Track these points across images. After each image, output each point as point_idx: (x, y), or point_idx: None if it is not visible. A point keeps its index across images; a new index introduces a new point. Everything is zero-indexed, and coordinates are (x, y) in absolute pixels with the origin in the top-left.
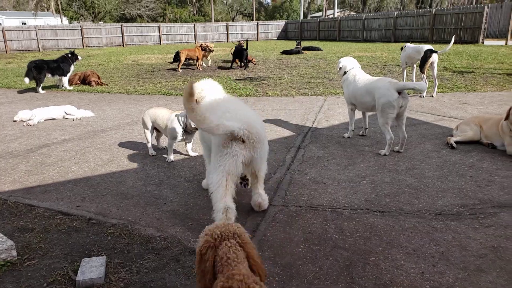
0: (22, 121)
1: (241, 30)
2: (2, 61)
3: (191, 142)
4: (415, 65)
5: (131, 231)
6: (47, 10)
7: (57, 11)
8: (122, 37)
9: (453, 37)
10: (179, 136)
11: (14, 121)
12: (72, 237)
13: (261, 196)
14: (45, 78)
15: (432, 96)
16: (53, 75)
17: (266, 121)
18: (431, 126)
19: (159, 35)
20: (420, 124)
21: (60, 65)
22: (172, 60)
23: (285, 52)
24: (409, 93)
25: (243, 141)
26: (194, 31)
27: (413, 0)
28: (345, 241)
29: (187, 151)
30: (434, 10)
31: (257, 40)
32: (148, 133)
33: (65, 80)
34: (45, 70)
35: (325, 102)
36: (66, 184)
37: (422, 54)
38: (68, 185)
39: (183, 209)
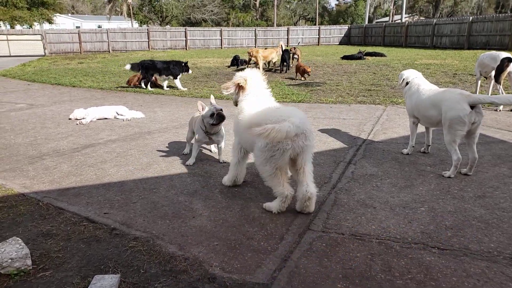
0: (76, 119)
1: (302, 34)
2: (75, 61)
3: (220, 145)
4: (492, 75)
5: (152, 247)
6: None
7: (129, 15)
8: (186, 40)
9: None
10: (201, 138)
11: (69, 119)
12: (92, 248)
13: (309, 189)
14: (152, 77)
15: (511, 111)
16: (160, 74)
17: (316, 131)
18: (509, 146)
19: (221, 39)
20: (494, 143)
21: (170, 67)
22: (229, 64)
23: (345, 58)
24: (483, 106)
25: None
26: (255, 36)
27: (492, 4)
28: (393, 284)
29: (214, 151)
30: None
31: (318, 45)
32: (189, 134)
33: (176, 82)
34: (152, 70)
35: (384, 112)
36: (99, 187)
37: (499, 62)
38: (102, 189)
39: (211, 226)
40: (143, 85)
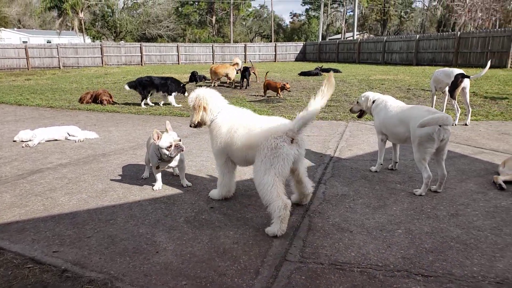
0: (22, 141)
1: (259, 51)
2: (21, 77)
3: (182, 167)
4: (446, 91)
5: None
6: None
7: (80, 30)
8: (141, 56)
9: (489, 61)
10: (154, 162)
11: (14, 141)
12: None
13: (307, 187)
14: (149, 94)
15: (466, 125)
16: (158, 91)
17: None
18: (471, 160)
19: (178, 55)
20: (456, 158)
21: (167, 83)
22: (188, 80)
23: (303, 74)
24: None
25: (292, 141)
26: (213, 52)
27: (434, 23)
28: None
29: (176, 173)
30: (459, 33)
31: (275, 61)
32: (148, 156)
33: (170, 98)
34: (150, 87)
35: (346, 128)
36: (48, 220)
37: (453, 78)
38: (51, 222)
39: (178, 262)
40: (142, 104)
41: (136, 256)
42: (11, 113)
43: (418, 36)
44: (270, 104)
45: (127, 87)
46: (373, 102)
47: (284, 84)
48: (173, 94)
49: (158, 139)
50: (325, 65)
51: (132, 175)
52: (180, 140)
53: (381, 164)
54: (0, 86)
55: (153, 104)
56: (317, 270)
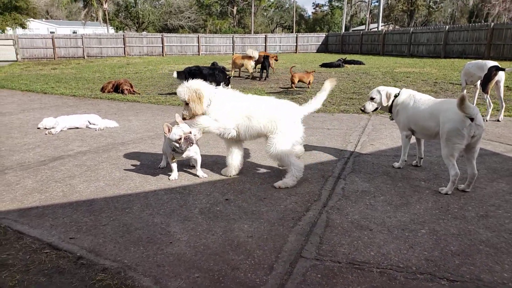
0: (45, 128)
1: (280, 42)
2: (48, 66)
3: (196, 159)
4: (478, 84)
5: (124, 281)
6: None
7: (104, 21)
8: (162, 46)
9: None
10: (169, 153)
11: (38, 128)
12: (53, 282)
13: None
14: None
15: (498, 120)
16: (205, 80)
17: None
18: (503, 159)
19: (198, 46)
20: (487, 155)
21: (215, 73)
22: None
23: (324, 65)
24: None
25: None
26: (233, 43)
27: (465, 14)
28: None
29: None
30: (492, 24)
31: (296, 52)
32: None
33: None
34: (198, 76)
35: (369, 122)
36: (66, 207)
37: (486, 71)
38: (69, 208)
39: (191, 253)
40: None
41: (150, 245)
42: (37, 101)
43: (447, 27)
44: (289, 96)
45: (175, 75)
46: (395, 96)
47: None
48: (221, 84)
49: (168, 132)
50: (348, 57)
51: (150, 164)
52: (190, 133)
53: (405, 161)
54: (28, 75)
55: None
56: (334, 269)
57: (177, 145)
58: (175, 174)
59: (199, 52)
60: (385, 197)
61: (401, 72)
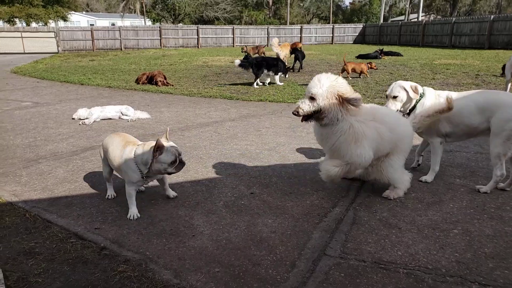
0: (80, 119)
1: (315, 33)
2: (86, 58)
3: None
4: None
5: (144, 273)
6: (134, 12)
7: (142, 13)
8: (197, 38)
9: None
10: (136, 180)
11: (73, 118)
12: (77, 272)
13: None
14: (262, 74)
15: None
16: (268, 70)
17: None
18: None
19: (233, 37)
20: None
21: (278, 63)
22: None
23: (361, 57)
24: None
25: None
26: (267, 34)
27: None
28: None
29: (165, 192)
30: None
31: (332, 43)
32: (104, 169)
33: (276, 77)
34: (264, 67)
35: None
36: (94, 197)
37: None
38: (96, 198)
39: (213, 247)
40: (255, 84)
41: (173, 238)
42: (73, 92)
43: (492, 16)
44: None
45: (237, 63)
46: (420, 96)
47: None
48: (280, 74)
49: (158, 152)
50: (386, 48)
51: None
52: (181, 154)
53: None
54: (67, 66)
55: (262, 84)
56: (358, 268)
57: (169, 169)
58: (134, 210)
59: (233, 43)
60: (417, 194)
61: (440, 64)
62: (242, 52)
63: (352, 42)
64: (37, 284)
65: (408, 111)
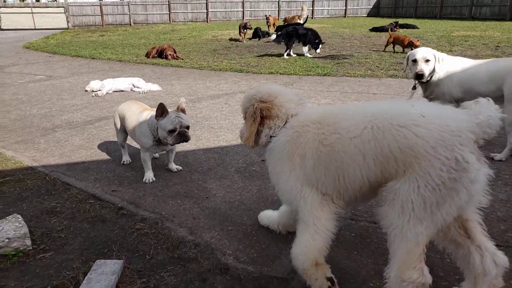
0: (92, 91)
1: (328, 5)
2: (96, 33)
3: (173, 151)
4: None
5: (161, 230)
6: None
7: None
8: (207, 13)
9: None
10: (149, 146)
11: (85, 90)
12: (96, 229)
13: (499, 257)
14: (293, 44)
15: None
16: (299, 41)
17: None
18: None
19: (243, 11)
20: None
21: (307, 34)
22: (251, 37)
23: (375, 29)
24: None
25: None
26: (278, 7)
27: None
28: (437, 285)
29: (168, 164)
30: None
31: (345, 16)
32: (120, 135)
33: (304, 48)
34: (295, 37)
35: (418, 88)
36: (110, 163)
37: None
38: (112, 164)
39: (226, 208)
40: (285, 55)
41: (187, 200)
42: (85, 66)
43: None
44: (335, 61)
45: (273, 37)
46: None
47: (412, 41)
48: (307, 45)
49: (161, 116)
50: (401, 21)
51: (190, 126)
52: (188, 127)
53: None
54: (78, 41)
55: (295, 55)
56: (368, 229)
57: (167, 137)
58: (150, 173)
59: (243, 17)
60: None
61: (458, 36)
62: (244, 29)
63: (366, 15)
64: (60, 239)
65: (428, 78)
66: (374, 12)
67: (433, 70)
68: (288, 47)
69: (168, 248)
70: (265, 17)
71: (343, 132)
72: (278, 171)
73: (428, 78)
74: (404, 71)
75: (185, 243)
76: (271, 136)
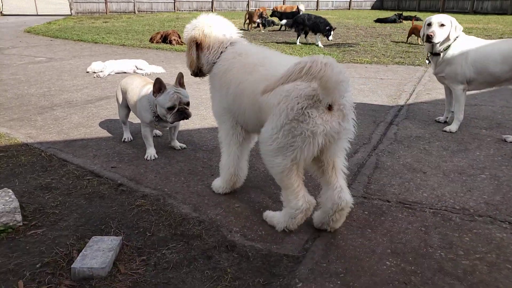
0: (94, 72)
1: None
2: (100, 20)
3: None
4: None
5: (162, 207)
6: None
7: None
8: (212, 2)
9: None
10: (149, 121)
11: (87, 72)
12: (93, 205)
13: (343, 195)
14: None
15: None
16: (309, 29)
17: (351, 89)
18: None
19: (248, 1)
20: None
21: (317, 22)
22: (256, 25)
23: (379, 21)
24: None
25: (330, 108)
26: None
27: None
28: (457, 265)
29: (171, 142)
30: None
31: (349, 9)
32: (121, 111)
33: (316, 37)
34: (303, 26)
35: (425, 74)
36: (110, 140)
37: None
38: (112, 141)
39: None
40: (298, 41)
41: (191, 177)
42: (87, 49)
43: None
44: (340, 48)
45: (283, 21)
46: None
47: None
48: (319, 34)
49: (158, 92)
50: (405, 13)
51: (194, 105)
52: (188, 103)
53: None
54: (80, 27)
55: (300, 44)
56: (382, 207)
57: (168, 116)
58: (152, 150)
59: (248, 7)
60: (441, 143)
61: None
62: (260, 18)
63: (370, 8)
64: (54, 215)
65: (442, 49)
66: (378, 5)
67: (448, 38)
68: (299, 34)
69: (170, 225)
70: (266, 10)
71: (251, 78)
72: (212, 95)
73: (441, 49)
74: (422, 38)
75: (188, 220)
76: (213, 63)
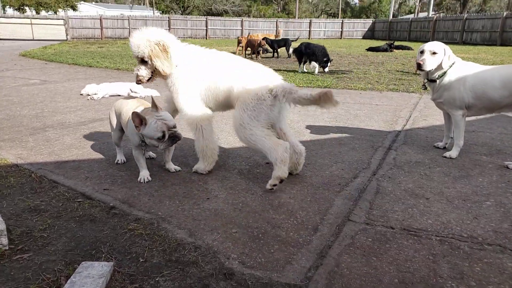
0: (88, 94)
1: (325, 27)
2: (95, 45)
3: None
4: None
5: (156, 231)
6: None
7: (151, 4)
8: (206, 30)
9: None
10: (137, 143)
11: (81, 94)
12: (84, 229)
13: (299, 146)
14: (303, 61)
15: None
16: (308, 59)
17: (347, 114)
18: None
19: (241, 30)
20: None
21: (315, 52)
22: (250, 52)
23: (371, 49)
24: None
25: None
26: (276, 27)
27: None
28: None
29: (165, 164)
30: None
31: (341, 38)
32: (115, 133)
33: (314, 65)
34: (302, 54)
35: (420, 100)
36: (103, 162)
37: None
38: (105, 163)
39: (229, 209)
40: (299, 70)
41: (186, 200)
42: (82, 73)
43: (505, 13)
44: (334, 75)
45: (291, 51)
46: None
47: None
48: (315, 63)
49: (141, 124)
50: (396, 43)
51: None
52: (175, 126)
53: (460, 148)
54: (76, 51)
55: (306, 71)
56: (386, 234)
57: (159, 145)
58: (145, 172)
59: (242, 35)
60: (442, 168)
61: None
62: (259, 47)
63: (361, 37)
64: (42, 238)
65: (436, 77)
66: (369, 35)
67: (440, 66)
68: (300, 63)
69: (164, 250)
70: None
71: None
72: (177, 90)
73: (436, 76)
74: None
75: (183, 245)
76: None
